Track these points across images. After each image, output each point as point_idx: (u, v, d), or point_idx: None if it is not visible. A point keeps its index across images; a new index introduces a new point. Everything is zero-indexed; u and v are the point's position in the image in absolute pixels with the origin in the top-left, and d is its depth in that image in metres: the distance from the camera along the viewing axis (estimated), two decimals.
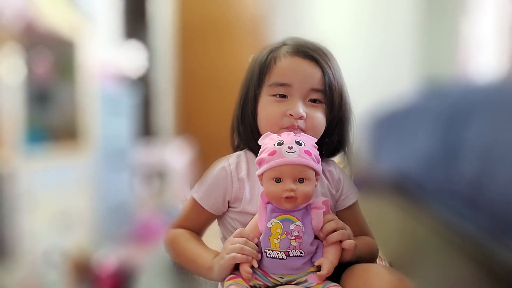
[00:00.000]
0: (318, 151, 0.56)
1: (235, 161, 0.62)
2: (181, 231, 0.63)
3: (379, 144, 0.86)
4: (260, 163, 0.56)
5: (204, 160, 2.71)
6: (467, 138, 0.59)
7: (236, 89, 0.65)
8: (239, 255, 0.54)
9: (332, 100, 0.60)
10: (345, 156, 0.66)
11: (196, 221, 0.64)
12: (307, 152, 0.54)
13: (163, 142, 2.58)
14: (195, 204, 0.62)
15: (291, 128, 0.58)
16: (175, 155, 2.38)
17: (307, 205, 0.55)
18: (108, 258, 1.46)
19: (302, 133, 0.58)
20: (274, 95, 0.59)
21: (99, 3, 1.97)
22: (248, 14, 2.91)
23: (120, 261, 1.45)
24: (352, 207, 0.64)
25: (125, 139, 1.95)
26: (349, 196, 0.63)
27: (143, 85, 2.47)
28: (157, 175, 2.27)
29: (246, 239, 0.55)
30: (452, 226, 0.59)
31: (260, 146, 0.58)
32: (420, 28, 2.32)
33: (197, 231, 0.65)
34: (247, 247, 0.54)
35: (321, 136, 0.62)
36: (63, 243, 1.37)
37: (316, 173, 0.55)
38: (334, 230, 0.55)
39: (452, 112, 0.66)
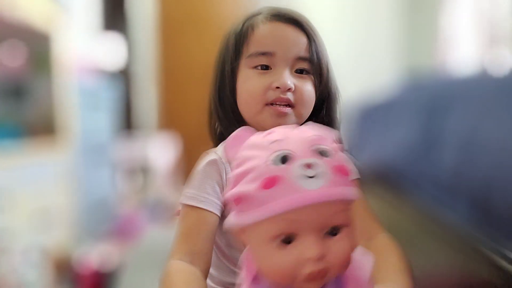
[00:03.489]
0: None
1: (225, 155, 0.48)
2: (179, 265, 0.44)
3: (361, 135, 0.87)
4: (239, 203, 0.32)
5: (187, 154, 2.69)
6: (447, 128, 0.60)
7: None
8: None
9: (321, 70, 0.52)
10: None
11: (200, 235, 0.47)
12: (341, 169, 0.30)
13: (145, 136, 2.55)
14: (190, 212, 0.48)
15: (278, 101, 0.49)
16: (158, 150, 2.35)
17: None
18: (89, 255, 1.44)
19: (310, 123, 0.46)
20: (255, 67, 0.50)
21: None
22: (229, 7, 2.88)
23: (101, 258, 1.43)
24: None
25: (106, 134, 1.92)
26: None
27: (123, 78, 2.43)
28: (139, 170, 2.24)
29: None
30: (433, 215, 0.60)
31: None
32: (400, 22, 2.35)
33: (204, 250, 0.47)
34: None
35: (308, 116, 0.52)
36: (42, 241, 1.34)
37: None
38: None
39: (433, 104, 0.67)
